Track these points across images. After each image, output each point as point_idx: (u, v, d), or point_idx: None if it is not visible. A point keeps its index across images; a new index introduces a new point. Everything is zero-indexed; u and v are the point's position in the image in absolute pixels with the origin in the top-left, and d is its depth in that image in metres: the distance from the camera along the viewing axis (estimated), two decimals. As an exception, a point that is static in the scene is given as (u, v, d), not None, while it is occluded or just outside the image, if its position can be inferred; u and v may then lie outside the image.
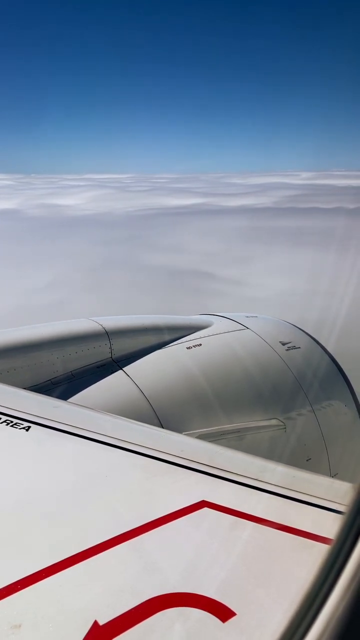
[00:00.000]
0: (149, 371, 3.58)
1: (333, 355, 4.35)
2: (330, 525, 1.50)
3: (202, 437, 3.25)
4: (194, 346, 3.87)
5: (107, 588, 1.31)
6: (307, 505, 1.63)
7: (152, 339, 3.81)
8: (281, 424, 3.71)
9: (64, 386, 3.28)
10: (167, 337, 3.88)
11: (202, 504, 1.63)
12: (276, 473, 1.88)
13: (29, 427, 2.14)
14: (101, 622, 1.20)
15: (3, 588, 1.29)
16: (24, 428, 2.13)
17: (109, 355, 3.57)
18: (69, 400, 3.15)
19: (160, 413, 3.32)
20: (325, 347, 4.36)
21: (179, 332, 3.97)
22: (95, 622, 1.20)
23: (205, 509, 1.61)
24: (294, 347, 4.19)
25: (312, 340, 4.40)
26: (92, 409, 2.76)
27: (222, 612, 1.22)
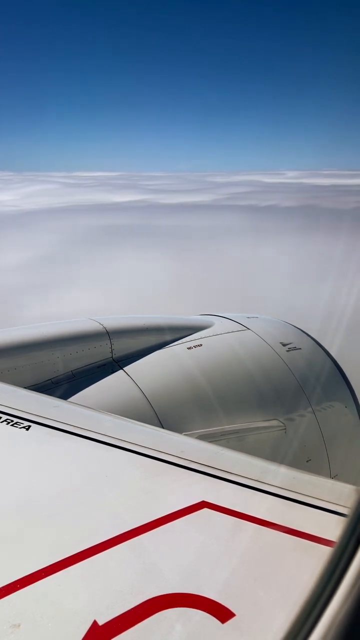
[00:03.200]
0: (150, 371, 3.58)
1: (334, 356, 4.35)
2: (332, 528, 1.49)
3: (202, 437, 3.25)
4: (194, 346, 3.87)
5: (106, 588, 1.31)
6: (308, 507, 1.62)
7: (153, 339, 3.81)
8: (281, 424, 3.71)
9: (64, 386, 3.28)
10: (168, 337, 3.88)
11: (202, 505, 1.63)
12: (277, 474, 1.87)
13: (29, 426, 2.14)
14: (100, 622, 1.19)
15: (2, 587, 1.29)
16: (24, 427, 2.13)
17: (110, 355, 3.56)
18: (70, 399, 3.15)
19: (160, 413, 3.32)
20: (327, 348, 4.36)
21: (179, 332, 3.96)
22: (95, 622, 1.19)
23: (205, 509, 1.61)
24: (295, 348, 4.19)
25: (312, 341, 4.40)
26: (93, 408, 2.76)
27: (222, 613, 1.22)
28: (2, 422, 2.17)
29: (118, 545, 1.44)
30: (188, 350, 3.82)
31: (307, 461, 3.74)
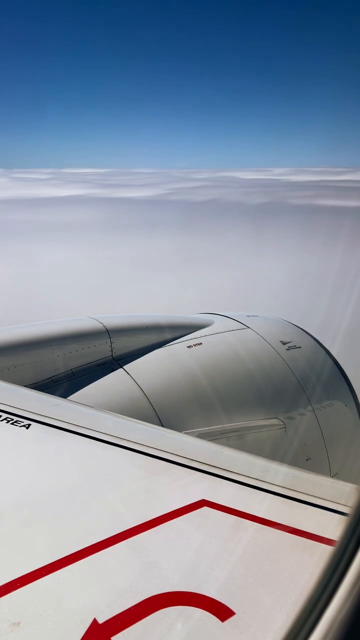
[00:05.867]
0: (150, 370, 3.58)
1: (334, 355, 4.35)
2: (333, 527, 1.49)
3: (202, 435, 3.25)
4: (194, 345, 3.87)
5: (106, 586, 1.31)
6: (309, 506, 1.62)
7: (153, 338, 3.81)
8: (281, 423, 3.71)
9: (64, 384, 3.28)
10: (167, 336, 3.88)
11: (202, 503, 1.63)
12: (277, 473, 1.87)
13: (29, 424, 2.14)
14: (100, 620, 1.19)
15: (2, 586, 1.29)
16: (24, 426, 2.12)
17: (110, 353, 3.56)
18: (70, 398, 3.15)
19: (160, 411, 3.32)
20: (327, 347, 4.36)
21: (179, 330, 3.96)
22: (95, 620, 1.19)
23: (205, 508, 1.61)
24: (295, 347, 4.19)
25: (312, 339, 4.40)
26: (93, 407, 2.76)
27: (222, 612, 1.22)
28: (2, 420, 2.17)
29: (118, 544, 1.44)
30: (188, 349, 3.82)
31: (307, 460, 3.74)
